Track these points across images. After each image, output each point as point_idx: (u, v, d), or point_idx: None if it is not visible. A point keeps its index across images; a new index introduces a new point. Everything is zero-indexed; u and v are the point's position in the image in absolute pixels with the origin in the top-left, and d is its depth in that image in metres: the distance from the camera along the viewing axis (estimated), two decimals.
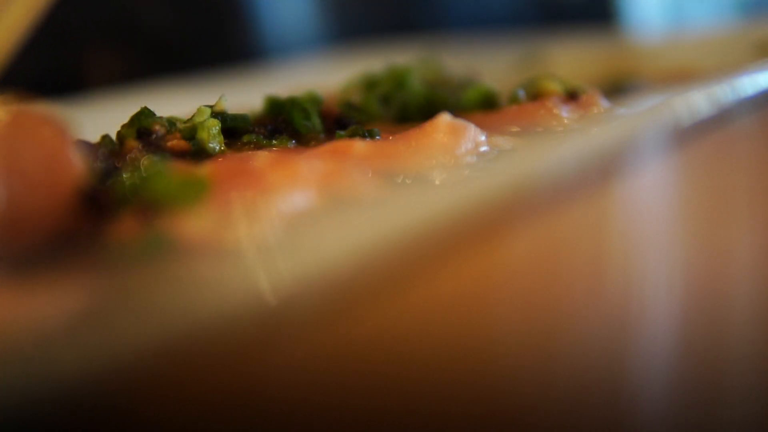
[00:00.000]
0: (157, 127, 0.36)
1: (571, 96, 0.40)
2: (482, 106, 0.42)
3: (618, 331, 0.31)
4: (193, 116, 0.36)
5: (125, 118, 0.36)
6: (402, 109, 0.44)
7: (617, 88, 0.54)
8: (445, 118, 0.34)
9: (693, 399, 0.33)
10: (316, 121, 0.39)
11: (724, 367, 0.34)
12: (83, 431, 0.19)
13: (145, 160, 0.33)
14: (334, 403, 0.23)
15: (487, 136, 0.34)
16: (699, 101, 0.32)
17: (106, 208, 0.28)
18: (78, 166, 0.28)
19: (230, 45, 0.78)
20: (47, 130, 0.28)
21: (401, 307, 0.24)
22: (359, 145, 0.32)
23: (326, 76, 0.58)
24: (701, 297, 0.33)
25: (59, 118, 0.29)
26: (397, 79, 0.46)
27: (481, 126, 0.35)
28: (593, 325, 0.29)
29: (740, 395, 0.35)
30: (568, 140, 0.30)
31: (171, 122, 0.36)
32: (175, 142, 0.35)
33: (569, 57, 0.66)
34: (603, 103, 0.40)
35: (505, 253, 0.26)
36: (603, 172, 0.28)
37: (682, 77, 0.55)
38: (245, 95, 0.46)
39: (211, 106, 0.37)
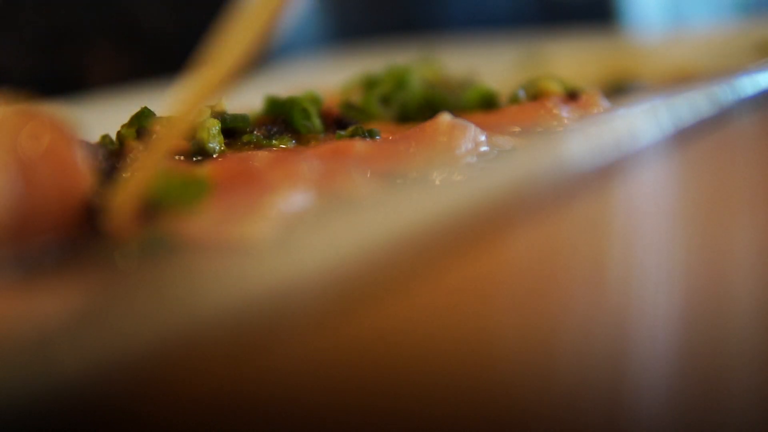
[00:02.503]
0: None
1: (571, 96, 0.40)
2: (482, 106, 0.42)
3: (619, 329, 0.31)
4: None
5: (125, 118, 0.36)
6: (402, 109, 0.44)
7: (618, 88, 0.54)
8: (445, 118, 0.34)
9: (693, 398, 0.33)
10: (316, 121, 0.39)
11: (724, 365, 0.34)
12: (84, 431, 0.19)
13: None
14: (333, 402, 0.23)
15: (487, 136, 0.34)
16: (699, 101, 0.32)
17: (108, 210, 0.28)
18: (84, 167, 0.28)
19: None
20: (54, 131, 0.28)
21: (401, 306, 0.24)
22: (359, 145, 0.32)
23: (326, 76, 0.58)
24: (701, 295, 0.33)
25: (65, 119, 0.29)
26: (397, 79, 0.46)
27: (481, 126, 0.35)
28: (594, 323, 0.29)
29: (740, 394, 0.35)
30: (568, 140, 0.30)
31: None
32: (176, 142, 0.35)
33: (570, 57, 0.66)
34: (603, 103, 0.40)
35: (505, 252, 0.26)
36: (603, 172, 0.28)
37: (682, 77, 0.55)
38: (245, 95, 0.46)
39: (211, 106, 0.37)
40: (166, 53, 0.70)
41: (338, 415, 0.23)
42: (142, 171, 0.27)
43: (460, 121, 0.34)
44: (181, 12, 0.73)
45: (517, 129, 0.38)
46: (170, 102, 0.29)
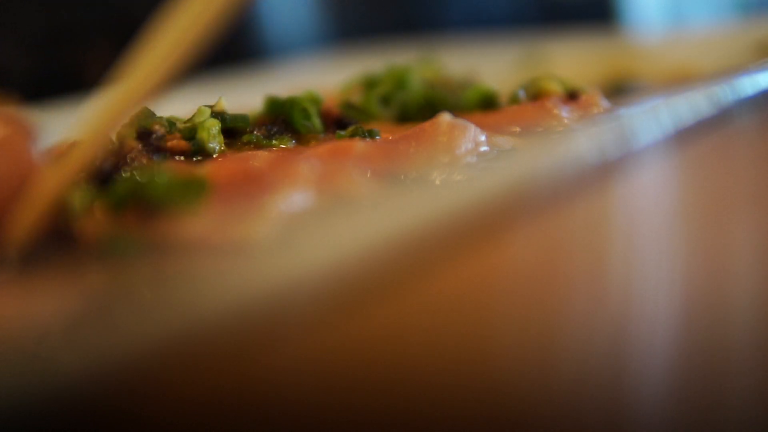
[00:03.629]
0: (157, 127, 0.36)
1: (571, 96, 0.40)
2: (482, 106, 0.42)
3: (619, 330, 0.31)
4: (193, 116, 0.36)
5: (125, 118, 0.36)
6: (402, 109, 0.44)
7: (618, 89, 0.54)
8: (445, 118, 0.34)
9: (694, 397, 0.33)
10: (316, 121, 0.39)
11: (724, 366, 0.34)
12: (82, 431, 0.19)
13: (145, 161, 0.33)
14: (334, 402, 0.23)
15: (487, 136, 0.34)
16: (699, 101, 0.32)
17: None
18: (40, 165, 0.28)
19: (230, 45, 0.78)
20: (10, 127, 0.28)
21: (401, 306, 0.24)
22: (359, 145, 0.32)
23: (326, 76, 0.58)
24: (702, 295, 0.33)
25: (23, 116, 0.29)
26: (397, 79, 0.46)
27: (481, 126, 0.35)
28: (594, 324, 0.29)
29: (741, 393, 0.35)
30: (568, 140, 0.30)
31: (171, 122, 0.36)
32: (175, 142, 0.35)
33: (570, 57, 0.66)
34: (603, 104, 0.40)
35: (505, 253, 0.26)
36: (603, 172, 0.28)
37: (682, 77, 0.54)
38: (245, 95, 0.46)
39: (211, 106, 0.37)
40: None
41: (339, 415, 0.23)
42: (44, 193, 0.27)
43: (460, 121, 0.34)
44: None
45: (517, 129, 0.37)
46: (82, 119, 0.29)
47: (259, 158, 0.30)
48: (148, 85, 0.27)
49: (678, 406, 0.33)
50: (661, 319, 0.32)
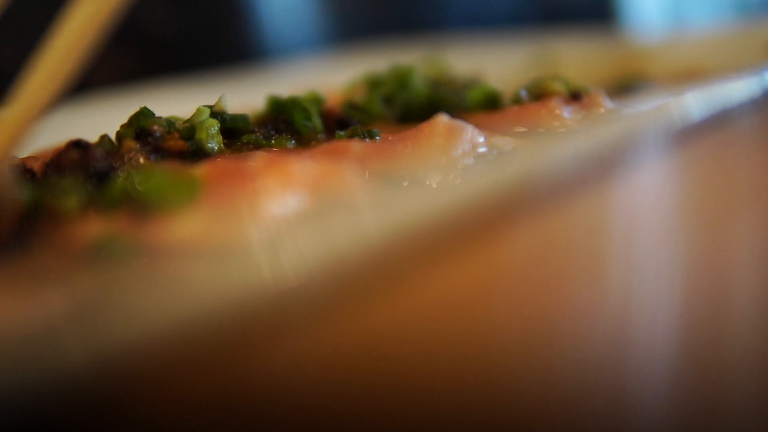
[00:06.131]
0: (155, 128, 0.36)
1: (574, 96, 0.39)
2: (485, 107, 0.42)
3: (618, 330, 0.30)
4: (192, 116, 0.36)
5: (125, 118, 0.36)
6: (405, 109, 0.43)
7: (626, 88, 0.53)
8: (441, 119, 0.33)
9: (695, 398, 0.33)
10: (317, 122, 0.39)
11: (725, 366, 0.34)
12: (71, 429, 0.19)
13: (143, 161, 0.33)
14: (325, 403, 0.23)
15: (486, 137, 0.34)
16: (703, 100, 0.31)
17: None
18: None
19: (230, 45, 0.78)
20: None
21: (394, 309, 0.24)
22: (355, 146, 0.32)
23: (329, 76, 0.58)
24: (701, 297, 0.33)
25: None
26: (401, 79, 0.46)
27: (482, 126, 0.35)
28: (593, 325, 0.29)
29: (742, 395, 0.35)
30: (566, 141, 0.29)
31: (170, 122, 0.36)
32: (174, 143, 0.35)
33: (579, 57, 0.66)
34: (607, 104, 0.40)
35: (499, 255, 0.26)
36: (602, 172, 0.28)
37: (690, 76, 0.54)
38: (246, 95, 0.46)
39: (210, 106, 0.37)
40: (166, 53, 0.70)
41: (331, 417, 0.23)
42: None
43: (457, 122, 0.34)
44: (181, 12, 0.73)
45: (518, 129, 0.37)
46: None
47: (251, 159, 0.30)
48: (33, 110, 0.26)
49: (679, 407, 0.33)
50: (660, 319, 0.32)
